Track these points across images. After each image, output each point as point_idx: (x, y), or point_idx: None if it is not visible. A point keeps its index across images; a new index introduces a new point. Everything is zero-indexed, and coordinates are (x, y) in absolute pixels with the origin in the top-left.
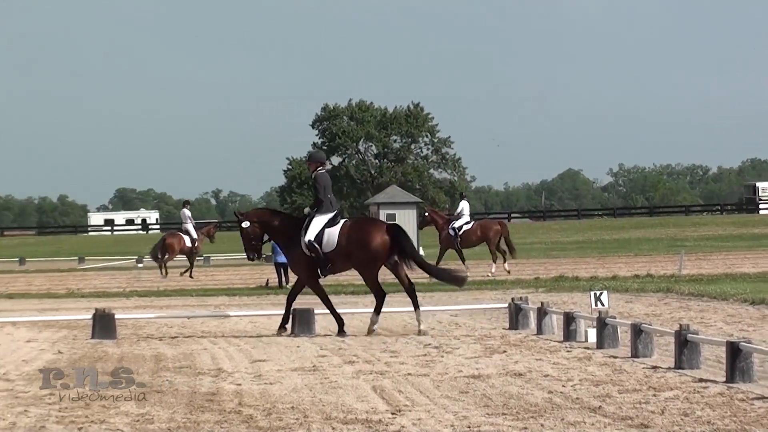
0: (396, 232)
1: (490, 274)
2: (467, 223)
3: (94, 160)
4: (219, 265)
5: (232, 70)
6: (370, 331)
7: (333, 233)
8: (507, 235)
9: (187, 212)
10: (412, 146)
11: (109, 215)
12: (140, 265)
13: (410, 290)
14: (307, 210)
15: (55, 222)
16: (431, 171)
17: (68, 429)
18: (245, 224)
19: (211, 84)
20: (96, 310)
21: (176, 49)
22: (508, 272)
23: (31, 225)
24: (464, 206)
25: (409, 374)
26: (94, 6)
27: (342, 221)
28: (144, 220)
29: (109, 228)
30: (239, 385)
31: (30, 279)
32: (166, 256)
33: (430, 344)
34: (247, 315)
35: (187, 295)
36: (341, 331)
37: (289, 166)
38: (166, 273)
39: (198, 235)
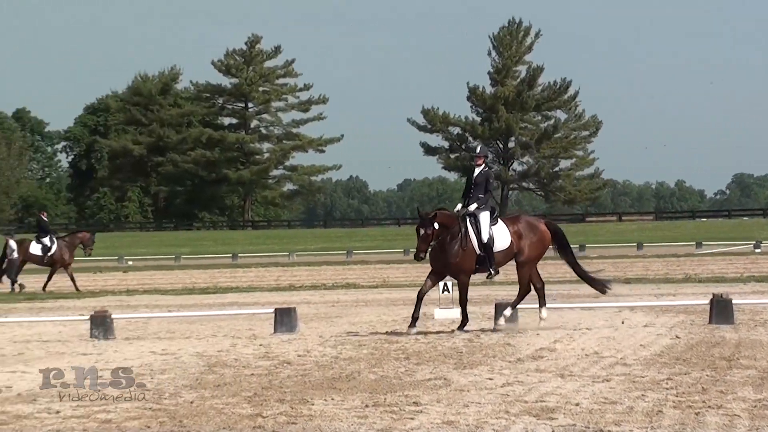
0: (555, 228)
1: None
2: None
3: (713, 145)
4: None
5: None
6: (500, 326)
7: (502, 230)
8: None
9: None
10: None
11: None
12: (758, 250)
13: (541, 289)
14: (459, 207)
15: (672, 207)
16: None
17: (685, 414)
18: (436, 225)
19: None
20: (713, 295)
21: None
22: None
23: (649, 210)
24: None
25: None
26: None
27: (498, 219)
28: None
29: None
30: None
31: (647, 264)
32: None
33: None
34: None
35: None
36: (462, 328)
37: None
38: None
39: None
